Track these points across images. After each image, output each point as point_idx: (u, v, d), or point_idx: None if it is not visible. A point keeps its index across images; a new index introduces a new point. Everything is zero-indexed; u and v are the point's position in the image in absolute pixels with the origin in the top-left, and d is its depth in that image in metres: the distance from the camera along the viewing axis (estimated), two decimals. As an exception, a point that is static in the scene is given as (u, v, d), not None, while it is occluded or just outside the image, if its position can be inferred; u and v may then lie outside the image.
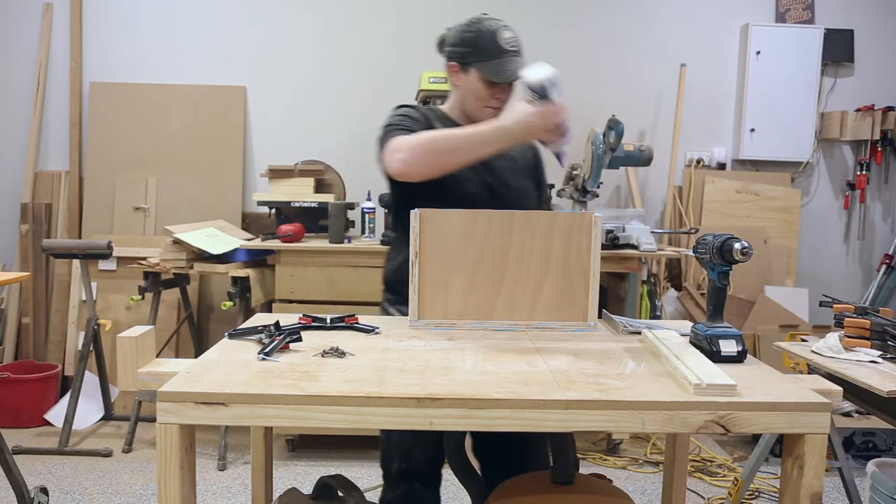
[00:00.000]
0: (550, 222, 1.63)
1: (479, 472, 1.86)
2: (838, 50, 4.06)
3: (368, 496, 2.54)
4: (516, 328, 1.63)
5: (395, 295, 1.87)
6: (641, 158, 3.37)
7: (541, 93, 1.57)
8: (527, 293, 1.64)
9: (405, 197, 1.79)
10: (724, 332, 1.39)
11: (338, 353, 1.37)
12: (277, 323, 1.48)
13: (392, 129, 1.76)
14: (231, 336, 1.48)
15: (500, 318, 1.64)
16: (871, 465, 2.34)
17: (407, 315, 1.65)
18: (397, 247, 1.89)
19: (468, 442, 1.93)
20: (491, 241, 1.62)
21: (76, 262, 3.77)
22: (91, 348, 3.33)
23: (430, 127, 1.81)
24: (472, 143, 1.63)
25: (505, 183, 1.87)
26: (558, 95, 1.58)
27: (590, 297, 1.65)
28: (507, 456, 1.88)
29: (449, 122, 1.87)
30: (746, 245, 1.37)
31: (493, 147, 1.64)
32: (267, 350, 1.33)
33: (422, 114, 1.86)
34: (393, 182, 1.79)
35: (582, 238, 1.64)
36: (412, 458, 1.85)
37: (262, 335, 1.44)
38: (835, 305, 2.02)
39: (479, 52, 1.79)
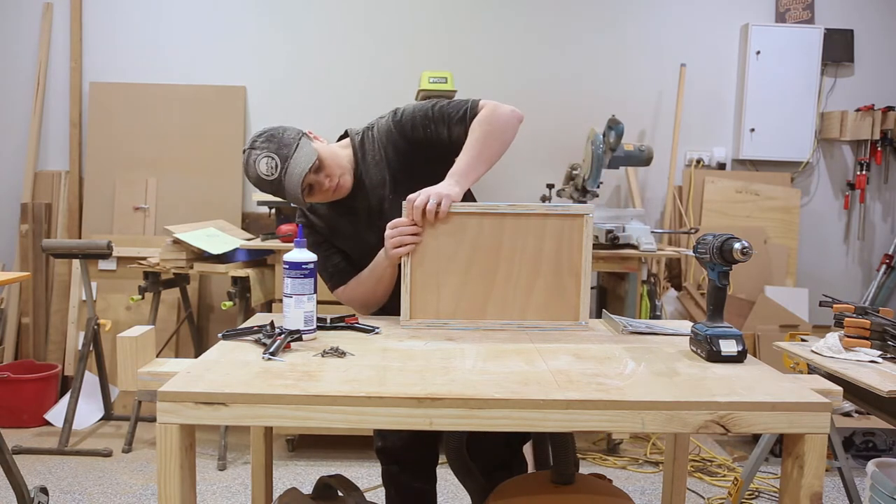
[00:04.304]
0: (542, 222, 1.63)
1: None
2: (838, 50, 4.06)
3: (368, 496, 2.54)
4: (508, 327, 1.63)
5: None
6: (641, 158, 3.37)
7: None
8: (518, 292, 1.64)
9: None
10: (724, 331, 1.39)
11: (338, 353, 1.37)
12: (272, 323, 1.48)
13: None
14: (225, 337, 1.48)
15: (491, 318, 1.64)
16: (871, 465, 2.34)
17: None
18: None
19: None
20: (482, 240, 1.62)
21: (76, 262, 3.77)
22: (91, 348, 3.33)
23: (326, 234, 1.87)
24: (373, 282, 1.77)
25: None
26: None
27: (581, 296, 1.65)
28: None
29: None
30: (746, 245, 1.36)
31: (386, 270, 1.70)
32: (272, 350, 1.33)
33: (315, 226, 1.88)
34: None
35: (573, 237, 1.63)
36: (385, 434, 1.93)
37: (259, 335, 1.44)
38: (835, 305, 2.01)
39: None
